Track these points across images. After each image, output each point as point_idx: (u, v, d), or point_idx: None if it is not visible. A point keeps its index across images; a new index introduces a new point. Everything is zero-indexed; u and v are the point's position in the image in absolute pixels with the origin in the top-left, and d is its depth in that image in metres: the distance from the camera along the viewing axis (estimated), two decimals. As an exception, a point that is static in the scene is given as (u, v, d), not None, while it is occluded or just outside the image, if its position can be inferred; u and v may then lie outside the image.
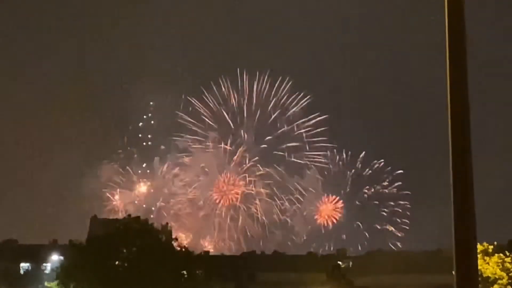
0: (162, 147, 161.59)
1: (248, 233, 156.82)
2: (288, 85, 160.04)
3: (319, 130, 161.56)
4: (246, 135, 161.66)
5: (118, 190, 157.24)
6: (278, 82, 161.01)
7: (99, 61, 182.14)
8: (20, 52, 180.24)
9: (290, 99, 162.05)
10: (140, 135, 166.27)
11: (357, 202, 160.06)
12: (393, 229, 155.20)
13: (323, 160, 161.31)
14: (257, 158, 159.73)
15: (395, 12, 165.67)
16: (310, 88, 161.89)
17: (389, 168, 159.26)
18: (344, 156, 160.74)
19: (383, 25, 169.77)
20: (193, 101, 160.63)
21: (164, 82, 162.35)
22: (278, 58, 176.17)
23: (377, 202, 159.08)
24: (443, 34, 7.47)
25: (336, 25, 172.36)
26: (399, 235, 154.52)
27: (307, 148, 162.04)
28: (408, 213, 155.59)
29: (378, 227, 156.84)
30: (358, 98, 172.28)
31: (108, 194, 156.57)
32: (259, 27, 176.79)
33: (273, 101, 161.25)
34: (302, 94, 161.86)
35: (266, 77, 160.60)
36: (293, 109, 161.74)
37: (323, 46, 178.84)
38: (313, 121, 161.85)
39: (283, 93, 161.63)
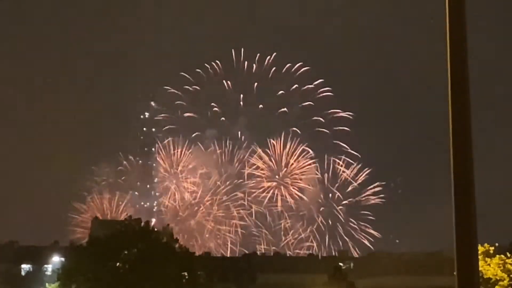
0: (161, 150, 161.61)
1: (247, 234, 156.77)
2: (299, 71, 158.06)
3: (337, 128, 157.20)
4: (243, 136, 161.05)
5: (117, 191, 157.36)
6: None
7: (98, 61, 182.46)
8: (19, 53, 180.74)
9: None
10: (138, 136, 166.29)
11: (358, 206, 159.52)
12: (392, 236, 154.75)
13: (346, 171, 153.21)
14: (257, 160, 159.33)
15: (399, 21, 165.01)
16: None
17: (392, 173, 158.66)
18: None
19: (385, 29, 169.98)
20: (191, 101, 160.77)
21: (163, 82, 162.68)
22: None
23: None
24: (443, 38, 7.48)
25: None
26: (397, 241, 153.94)
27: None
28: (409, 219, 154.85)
29: (380, 235, 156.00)
30: (358, 100, 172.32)
31: (107, 196, 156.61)
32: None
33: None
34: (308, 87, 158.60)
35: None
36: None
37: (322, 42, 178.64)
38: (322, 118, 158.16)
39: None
